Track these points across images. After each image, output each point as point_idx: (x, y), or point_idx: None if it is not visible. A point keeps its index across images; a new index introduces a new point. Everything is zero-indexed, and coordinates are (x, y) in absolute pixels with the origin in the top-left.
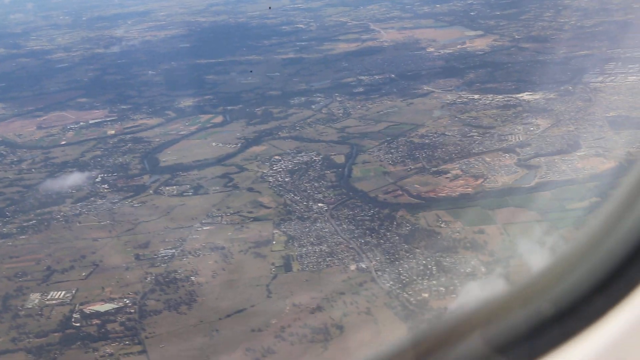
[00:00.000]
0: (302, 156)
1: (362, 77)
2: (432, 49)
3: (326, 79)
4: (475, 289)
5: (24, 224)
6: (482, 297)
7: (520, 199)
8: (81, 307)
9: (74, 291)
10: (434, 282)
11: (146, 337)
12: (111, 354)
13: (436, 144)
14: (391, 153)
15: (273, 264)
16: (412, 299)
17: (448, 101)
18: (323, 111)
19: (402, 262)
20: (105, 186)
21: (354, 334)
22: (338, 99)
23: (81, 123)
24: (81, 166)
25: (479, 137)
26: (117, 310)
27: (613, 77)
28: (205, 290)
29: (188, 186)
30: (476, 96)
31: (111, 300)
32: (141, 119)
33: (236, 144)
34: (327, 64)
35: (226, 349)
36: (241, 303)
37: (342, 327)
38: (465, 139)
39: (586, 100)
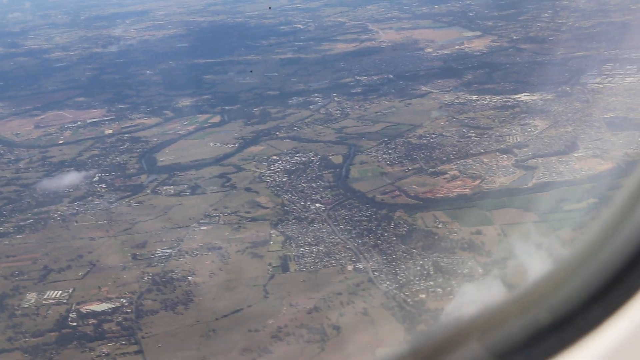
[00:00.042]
0: (299, 156)
1: (360, 78)
2: (430, 50)
3: (324, 79)
4: (472, 290)
5: (21, 223)
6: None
7: (518, 200)
8: (78, 306)
9: (70, 291)
10: (431, 282)
11: (143, 337)
12: (107, 354)
13: (434, 145)
14: (389, 153)
15: (270, 264)
16: (409, 300)
17: (446, 102)
18: (321, 111)
19: (399, 262)
20: (103, 186)
21: (351, 335)
22: (336, 99)
23: (79, 122)
24: (78, 165)
25: (477, 138)
26: (114, 310)
27: (611, 78)
28: (202, 290)
29: (185, 186)
30: (474, 97)
31: (108, 300)
32: (139, 118)
33: (234, 144)
34: (325, 64)
35: (223, 349)
36: (238, 303)
37: (339, 327)
38: (463, 139)
39: (584, 102)
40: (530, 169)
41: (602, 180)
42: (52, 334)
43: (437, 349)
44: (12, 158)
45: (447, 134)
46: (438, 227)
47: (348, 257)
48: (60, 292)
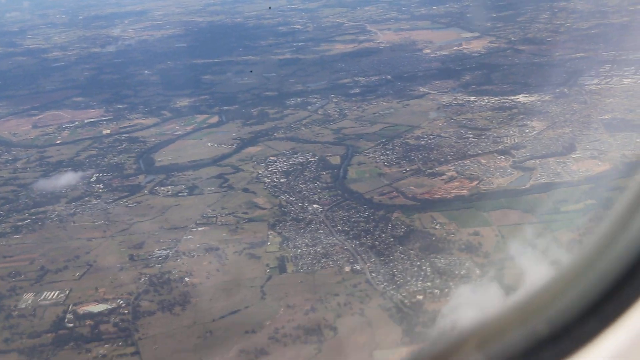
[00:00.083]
0: (297, 157)
1: (359, 79)
2: (428, 51)
3: (322, 80)
4: (469, 292)
5: (18, 224)
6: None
7: (515, 201)
8: (74, 307)
9: (67, 291)
10: (429, 283)
11: (139, 338)
12: (104, 355)
13: (432, 146)
14: (387, 154)
15: (267, 265)
16: (406, 301)
17: (444, 103)
18: (319, 112)
19: (396, 263)
20: (100, 186)
21: (348, 336)
22: (334, 100)
23: (77, 122)
24: (76, 165)
25: (475, 139)
26: (111, 311)
27: (609, 80)
28: (199, 291)
29: (183, 186)
30: (472, 98)
31: (105, 300)
32: (137, 118)
33: (232, 144)
34: (324, 65)
35: (220, 351)
36: (235, 304)
37: (335, 328)
38: (461, 140)
39: (582, 103)
40: (528, 170)
41: (600, 182)
42: (49, 335)
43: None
44: (10, 158)
45: (445, 135)
46: (435, 228)
47: (345, 258)
48: (57, 292)
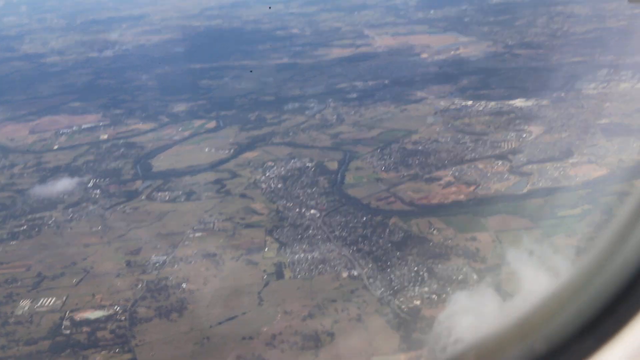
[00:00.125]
0: (295, 162)
1: (356, 83)
2: (425, 55)
3: (320, 85)
4: (466, 298)
5: (15, 230)
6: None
7: (513, 206)
8: (71, 314)
9: (64, 298)
10: (426, 289)
11: (136, 345)
12: None
13: (429, 151)
14: (384, 159)
15: (265, 271)
16: (403, 307)
17: (441, 107)
18: (316, 117)
19: (394, 269)
20: (98, 191)
21: (345, 341)
22: (332, 104)
23: (74, 127)
24: (73, 171)
25: (472, 144)
26: (108, 318)
27: (606, 84)
28: (197, 297)
29: (180, 192)
30: (469, 102)
31: (102, 307)
32: (134, 123)
33: (229, 149)
34: (321, 70)
35: (217, 357)
36: (232, 310)
37: (333, 334)
38: (458, 145)
39: (579, 107)
40: (525, 175)
41: (597, 187)
42: (46, 341)
43: None
44: (7, 163)
45: (443, 140)
46: (433, 234)
47: (343, 264)
48: (53, 299)
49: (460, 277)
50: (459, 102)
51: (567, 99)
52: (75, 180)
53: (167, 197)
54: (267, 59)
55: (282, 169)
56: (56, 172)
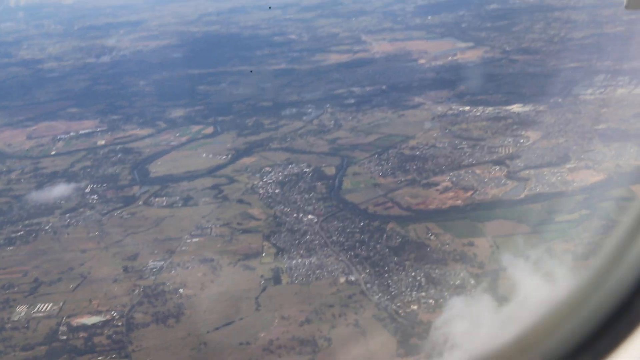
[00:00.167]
0: (292, 168)
1: (354, 89)
2: (423, 61)
3: (317, 90)
4: (463, 303)
5: (12, 235)
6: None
7: (510, 211)
8: (68, 319)
9: (61, 304)
10: (423, 294)
11: (133, 351)
12: None
13: (426, 156)
14: (382, 165)
15: (262, 276)
16: (400, 311)
17: (439, 113)
18: (314, 122)
19: (391, 274)
20: (95, 197)
21: (342, 346)
22: (329, 110)
23: (71, 133)
24: (70, 177)
25: (469, 149)
26: (104, 323)
27: (603, 90)
28: (194, 302)
29: (178, 197)
30: (467, 108)
31: (98, 312)
32: (132, 129)
33: (227, 155)
34: (319, 75)
35: None
36: (229, 316)
37: (330, 339)
38: (456, 151)
39: (576, 113)
40: (523, 181)
41: (594, 192)
42: (42, 347)
43: None
44: (4, 169)
45: (440, 145)
46: (430, 239)
47: (340, 269)
48: (50, 305)
49: (458, 282)
50: (456, 107)
51: (565, 105)
52: (73, 185)
53: (165, 203)
54: (264, 65)
55: (279, 174)
56: (53, 177)
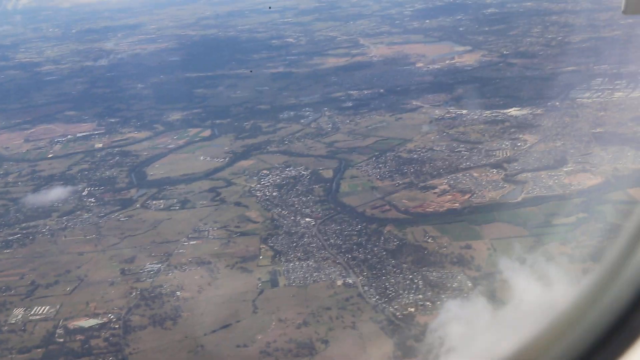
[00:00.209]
0: (290, 170)
1: (351, 92)
2: (421, 64)
3: (315, 94)
4: (461, 305)
5: (9, 238)
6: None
7: (507, 214)
8: (65, 322)
9: (58, 306)
10: (420, 296)
11: (130, 353)
12: None
13: (424, 159)
14: (379, 168)
15: (259, 279)
16: (398, 314)
17: (436, 116)
18: (312, 125)
19: (389, 277)
20: (92, 200)
21: (339, 349)
22: (327, 113)
23: (69, 136)
24: (68, 179)
25: (467, 153)
26: (101, 326)
27: (600, 93)
28: (191, 305)
29: (175, 200)
30: (464, 111)
31: (95, 315)
32: (129, 132)
33: (224, 158)
34: (317, 79)
35: None
36: (227, 318)
37: (327, 341)
38: (453, 154)
39: (573, 116)
40: (520, 184)
41: (591, 195)
42: (39, 350)
43: None
44: (1, 172)
45: (438, 149)
46: (428, 242)
47: (338, 272)
48: (47, 307)
49: (455, 285)
50: (454, 110)
51: (562, 108)
52: (70, 188)
53: (162, 206)
54: (262, 68)
55: (277, 177)
56: (51, 180)
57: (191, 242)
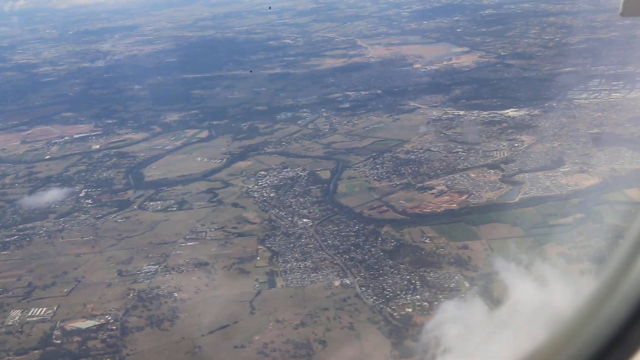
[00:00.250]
0: (287, 171)
1: (349, 93)
2: (418, 65)
3: (313, 95)
4: (458, 306)
5: (6, 239)
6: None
7: (505, 214)
8: (62, 324)
9: (55, 308)
10: (418, 297)
11: (127, 355)
12: None
13: (422, 160)
14: (377, 169)
15: (257, 279)
16: (395, 314)
17: (434, 117)
18: (309, 126)
19: (386, 277)
20: (89, 201)
21: (337, 349)
22: (324, 114)
23: (66, 137)
24: (65, 181)
25: (464, 153)
26: (99, 327)
27: (597, 94)
28: (188, 306)
29: (172, 201)
30: (462, 112)
31: (93, 317)
32: (126, 133)
33: (222, 159)
34: (314, 80)
35: None
36: (224, 319)
37: (324, 342)
38: (451, 154)
39: (570, 117)
40: (517, 184)
41: (588, 195)
42: (36, 351)
43: None
44: None
45: (435, 149)
46: (425, 242)
47: (335, 273)
48: (44, 309)
49: (452, 285)
50: (451, 111)
51: (559, 109)
52: (67, 190)
53: (159, 207)
54: (260, 69)
55: (274, 178)
56: (48, 182)
57: (188, 244)
